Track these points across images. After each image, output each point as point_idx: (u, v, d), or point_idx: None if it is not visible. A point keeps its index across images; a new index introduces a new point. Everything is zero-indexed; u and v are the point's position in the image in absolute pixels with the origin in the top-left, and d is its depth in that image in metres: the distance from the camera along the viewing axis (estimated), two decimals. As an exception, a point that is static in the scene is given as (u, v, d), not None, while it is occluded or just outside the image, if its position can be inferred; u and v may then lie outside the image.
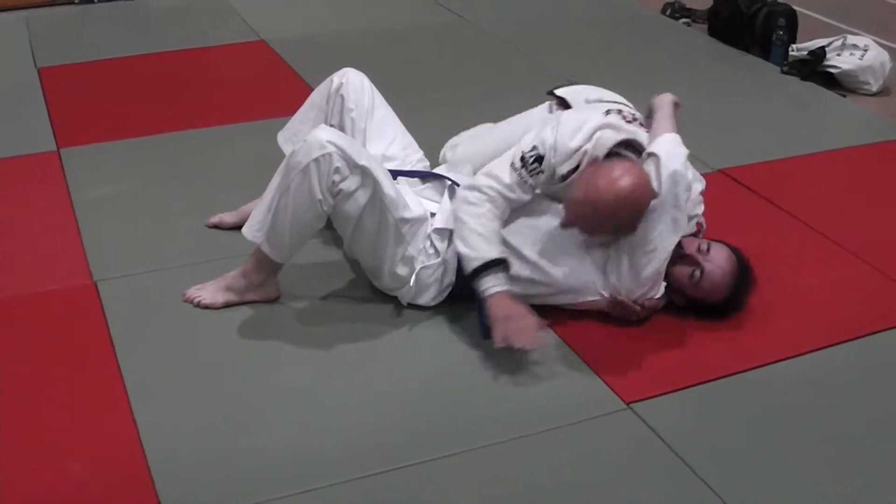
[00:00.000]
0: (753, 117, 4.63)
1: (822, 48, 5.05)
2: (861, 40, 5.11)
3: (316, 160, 2.93)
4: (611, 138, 3.01)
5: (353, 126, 3.33)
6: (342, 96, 3.34)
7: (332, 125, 3.32)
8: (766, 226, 3.65)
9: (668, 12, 6.06)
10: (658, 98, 3.23)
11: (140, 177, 3.98)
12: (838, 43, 5.09)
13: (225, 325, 3.08)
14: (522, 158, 3.00)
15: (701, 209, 3.16)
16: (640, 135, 3.08)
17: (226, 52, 5.46)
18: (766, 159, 4.15)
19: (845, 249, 3.49)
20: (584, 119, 3.04)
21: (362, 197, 2.98)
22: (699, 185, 3.15)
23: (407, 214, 3.05)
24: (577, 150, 2.97)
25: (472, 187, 3.03)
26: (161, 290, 3.23)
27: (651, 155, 2.99)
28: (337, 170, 2.93)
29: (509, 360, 2.92)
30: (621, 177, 2.85)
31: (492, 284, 2.91)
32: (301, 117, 3.45)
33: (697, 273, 3.00)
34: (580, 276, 3.04)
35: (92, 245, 3.46)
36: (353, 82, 3.37)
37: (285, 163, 3.01)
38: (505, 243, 3.02)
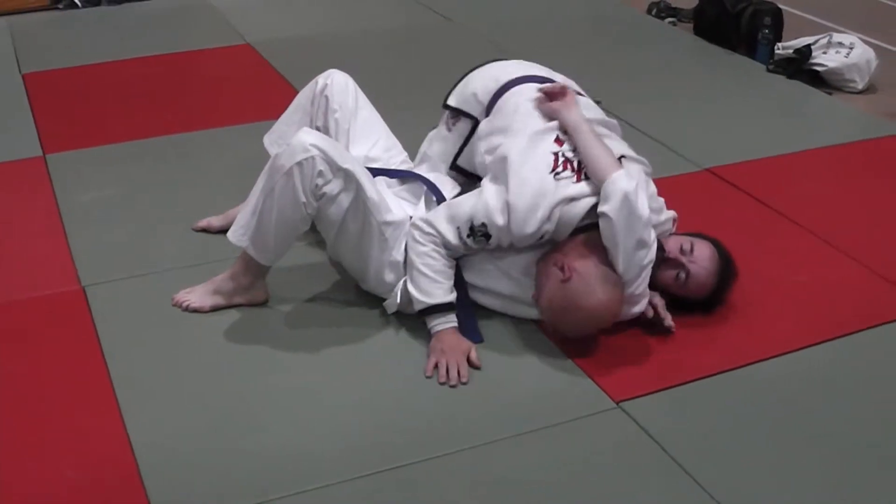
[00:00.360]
0: (740, 116, 4.64)
1: (808, 46, 5.06)
2: (847, 38, 5.12)
3: (299, 163, 2.93)
4: (574, 215, 2.92)
5: (338, 127, 3.33)
6: (326, 97, 3.35)
7: (317, 127, 3.33)
8: (753, 224, 3.66)
9: (653, 12, 6.07)
10: (565, 115, 3.07)
11: (127, 181, 3.97)
12: (824, 41, 5.10)
13: (215, 329, 3.08)
14: (471, 229, 2.95)
15: (666, 214, 3.11)
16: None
17: (212, 55, 5.45)
18: (752, 158, 4.15)
19: (833, 247, 3.49)
20: (538, 192, 2.91)
21: (345, 200, 2.98)
22: (658, 212, 3.07)
23: (389, 217, 3.05)
24: (536, 232, 2.92)
25: (418, 227, 3.02)
26: (149, 295, 3.22)
27: (602, 215, 2.86)
28: (320, 173, 2.94)
29: (500, 362, 2.93)
30: (591, 297, 2.84)
31: (438, 322, 2.97)
32: (287, 119, 3.45)
33: (683, 275, 3.01)
34: None
35: (80, 250, 3.46)
36: (337, 83, 3.38)
37: (269, 165, 3.01)
38: (473, 287, 3.09)
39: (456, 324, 2.98)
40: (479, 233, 2.94)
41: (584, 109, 3.11)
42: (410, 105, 4.37)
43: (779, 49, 5.16)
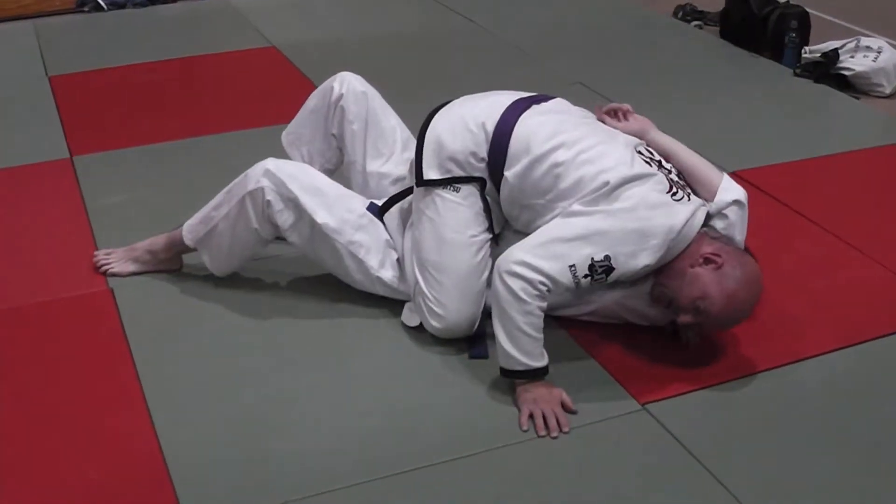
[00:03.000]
0: (766, 120, 4.62)
1: (836, 50, 5.04)
2: (875, 42, 5.10)
3: (250, 193, 3.04)
4: (695, 228, 2.78)
5: (354, 138, 3.31)
6: (342, 108, 3.31)
7: (332, 134, 3.34)
8: (779, 228, 3.64)
9: (679, 14, 6.05)
10: (654, 134, 3.05)
11: (153, 183, 3.99)
12: (851, 45, 5.08)
13: (241, 329, 3.10)
14: (591, 267, 2.69)
15: None
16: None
17: (237, 58, 5.47)
18: (779, 161, 4.14)
19: (859, 251, 3.48)
20: (667, 214, 2.74)
21: (304, 229, 3.06)
22: None
23: (358, 237, 3.05)
24: (666, 256, 2.75)
25: (519, 277, 2.67)
26: (177, 295, 3.25)
27: (736, 202, 2.88)
28: (269, 203, 3.02)
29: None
30: (749, 264, 2.80)
31: (527, 380, 2.76)
32: (303, 122, 3.45)
33: (694, 333, 2.94)
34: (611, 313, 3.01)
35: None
36: (353, 92, 3.31)
37: (231, 187, 3.12)
38: None
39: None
40: (599, 269, 2.69)
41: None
42: (431, 106, 4.37)
43: (805, 53, 5.13)
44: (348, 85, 3.32)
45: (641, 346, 2.99)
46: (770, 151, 4.23)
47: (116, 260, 3.33)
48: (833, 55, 5.02)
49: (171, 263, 3.32)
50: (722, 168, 3.94)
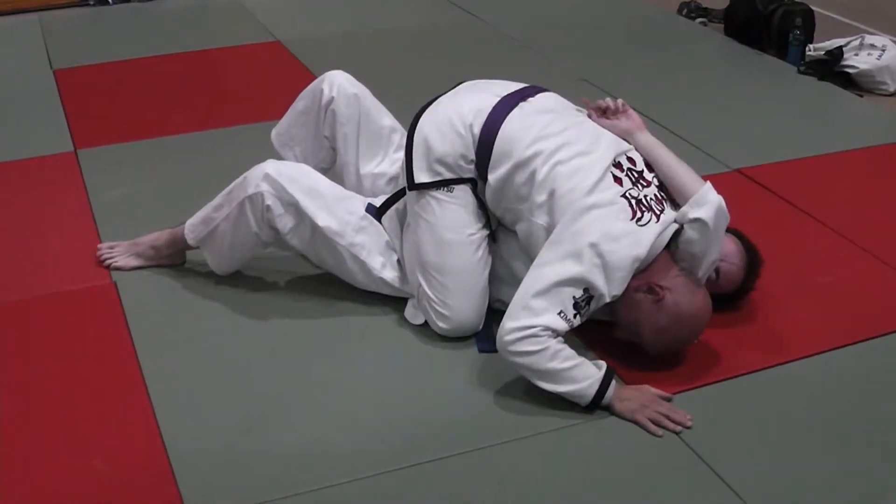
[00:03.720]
0: (770, 117, 4.62)
1: (840, 48, 5.04)
2: (879, 40, 5.10)
3: (250, 197, 3.04)
4: (661, 244, 2.78)
5: (346, 140, 3.30)
6: (333, 111, 3.28)
7: (325, 136, 3.33)
8: (782, 225, 3.64)
9: (684, 12, 6.06)
10: (639, 137, 2.97)
11: (157, 177, 3.99)
12: (856, 43, 5.08)
13: (244, 323, 3.10)
14: (575, 305, 2.68)
15: None
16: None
17: (242, 53, 5.47)
18: (782, 159, 4.14)
19: (862, 249, 3.48)
20: (634, 243, 2.73)
21: (305, 232, 3.06)
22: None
23: (359, 239, 3.06)
24: (617, 295, 2.76)
25: (519, 341, 2.66)
26: (180, 289, 3.25)
27: (697, 220, 2.79)
28: (268, 208, 3.02)
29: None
30: (692, 303, 2.78)
31: (609, 396, 2.71)
32: (293, 122, 3.43)
33: (714, 275, 2.98)
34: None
35: (110, 245, 3.48)
36: (344, 95, 3.28)
37: (231, 188, 3.12)
38: (501, 281, 3.03)
39: (614, 387, 2.74)
40: (583, 303, 2.70)
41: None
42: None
43: (810, 50, 5.14)
44: (338, 87, 3.29)
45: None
46: (773, 149, 4.23)
47: (120, 254, 3.34)
48: (837, 53, 5.02)
49: (174, 259, 3.33)
50: (725, 165, 3.97)
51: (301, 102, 3.41)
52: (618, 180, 2.81)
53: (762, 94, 4.89)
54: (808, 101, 4.84)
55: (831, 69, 5.02)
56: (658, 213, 2.80)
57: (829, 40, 5.16)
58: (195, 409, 2.76)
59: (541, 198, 2.81)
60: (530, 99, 3.00)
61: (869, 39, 5.10)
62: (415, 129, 2.99)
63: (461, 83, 3.15)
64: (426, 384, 2.87)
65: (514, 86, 3.06)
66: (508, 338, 2.67)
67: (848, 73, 5.01)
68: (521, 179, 2.85)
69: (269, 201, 3.01)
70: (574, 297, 2.69)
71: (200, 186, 3.69)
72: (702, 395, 2.80)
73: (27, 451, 2.60)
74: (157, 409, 2.73)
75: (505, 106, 2.94)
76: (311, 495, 2.47)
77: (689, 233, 2.80)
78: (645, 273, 2.78)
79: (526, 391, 2.80)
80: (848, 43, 5.08)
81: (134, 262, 3.32)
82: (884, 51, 5.01)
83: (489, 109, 2.93)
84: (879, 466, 2.58)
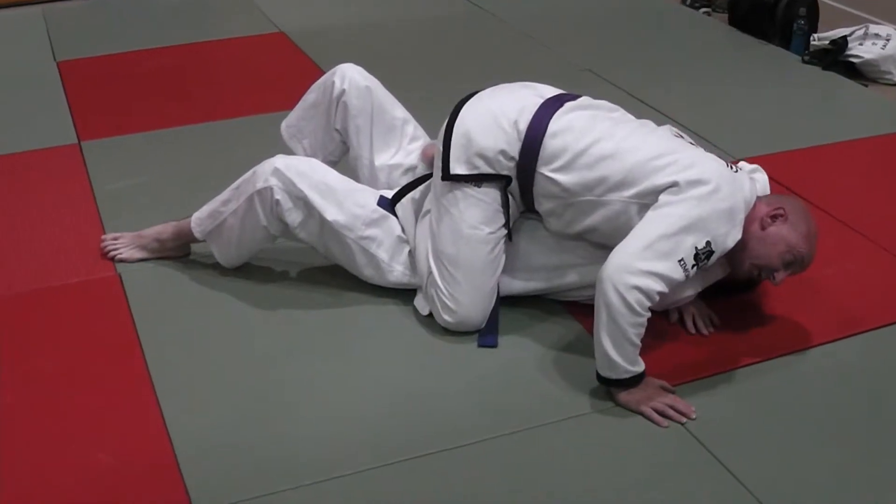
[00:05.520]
0: (774, 107, 4.61)
1: (844, 38, 5.03)
2: (883, 30, 5.09)
3: (259, 192, 3.04)
4: (750, 208, 2.84)
5: (359, 133, 3.30)
6: (345, 104, 3.28)
7: (336, 129, 3.33)
8: (788, 215, 3.63)
9: (688, 2, 6.05)
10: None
11: (161, 168, 3.99)
12: (860, 32, 5.06)
13: (249, 315, 3.10)
14: (696, 256, 2.67)
15: None
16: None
17: (245, 44, 5.47)
18: (787, 149, 4.13)
19: (867, 238, 3.48)
20: (732, 205, 2.74)
21: (314, 226, 3.06)
22: None
23: (369, 232, 3.06)
24: (737, 240, 2.77)
25: (638, 289, 2.62)
26: (185, 280, 3.25)
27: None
28: (277, 202, 3.02)
29: (532, 352, 2.93)
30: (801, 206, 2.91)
31: (623, 388, 2.72)
32: (303, 115, 3.43)
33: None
34: None
35: (115, 237, 3.48)
36: (356, 87, 3.28)
37: (239, 183, 3.12)
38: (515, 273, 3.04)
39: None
40: (703, 255, 2.69)
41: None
42: (440, 93, 4.37)
43: (814, 40, 5.12)
44: (350, 80, 3.29)
45: (647, 334, 2.98)
46: (778, 139, 4.22)
47: (124, 246, 3.34)
48: (842, 43, 5.01)
49: (179, 251, 3.33)
50: (730, 155, 3.97)
51: (311, 95, 3.40)
52: (693, 144, 2.93)
53: (766, 84, 4.88)
54: (812, 91, 4.83)
55: (835, 59, 5.00)
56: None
57: (833, 30, 5.15)
58: (200, 400, 2.76)
59: (618, 174, 2.79)
60: (575, 101, 2.98)
61: (873, 29, 5.09)
62: (454, 121, 2.96)
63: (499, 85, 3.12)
64: (432, 376, 2.87)
65: (556, 90, 3.04)
66: (628, 280, 2.61)
67: (852, 63, 4.99)
68: (584, 165, 2.82)
69: (279, 196, 3.01)
70: (696, 248, 2.67)
71: (204, 178, 3.72)
72: (706, 386, 2.81)
73: (32, 443, 2.61)
74: (162, 402, 2.73)
75: (550, 105, 2.93)
76: (316, 487, 2.47)
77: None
78: (751, 218, 2.82)
79: (531, 383, 2.81)
80: (852, 32, 5.07)
81: (138, 254, 3.32)
82: (888, 40, 4.99)
83: (535, 108, 2.91)
84: (884, 457, 2.58)
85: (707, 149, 3.02)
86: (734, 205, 2.74)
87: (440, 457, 2.56)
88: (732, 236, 2.74)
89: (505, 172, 2.91)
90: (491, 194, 2.93)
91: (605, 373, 2.71)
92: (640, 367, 2.71)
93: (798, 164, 4.02)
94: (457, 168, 2.92)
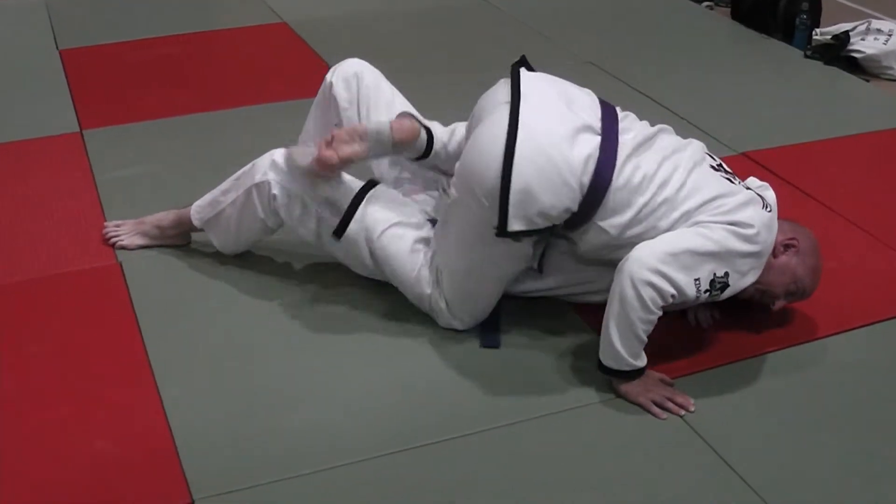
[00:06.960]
0: (776, 101, 4.61)
1: (846, 33, 5.03)
2: (886, 25, 5.09)
3: (257, 185, 3.04)
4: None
5: (350, 123, 3.24)
6: (335, 97, 3.26)
7: (335, 124, 3.30)
8: (787, 209, 3.61)
9: (690, -5, 6.05)
10: None
11: (163, 158, 3.99)
12: (862, 27, 5.07)
13: (249, 303, 3.11)
14: (712, 283, 2.66)
15: None
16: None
17: (248, 33, 5.46)
18: (788, 143, 4.14)
19: (868, 233, 3.48)
20: (763, 250, 2.74)
21: (310, 223, 3.04)
22: None
23: (373, 234, 3.01)
24: (751, 283, 2.77)
25: (653, 286, 2.60)
26: (186, 269, 3.25)
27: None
28: (274, 197, 3.02)
29: (533, 344, 2.94)
30: (812, 238, 2.93)
31: (623, 379, 2.74)
32: (309, 117, 3.42)
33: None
34: None
35: (116, 225, 3.48)
36: (342, 78, 3.24)
37: (239, 174, 3.12)
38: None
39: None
40: (718, 285, 2.68)
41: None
42: (444, 85, 4.38)
43: (816, 35, 5.12)
44: (340, 73, 3.26)
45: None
46: (779, 133, 4.23)
47: (125, 233, 3.35)
48: (844, 38, 5.01)
49: (179, 239, 3.34)
50: (732, 149, 3.98)
51: (317, 97, 3.41)
52: (728, 180, 2.85)
53: (768, 79, 4.88)
54: (814, 86, 4.83)
55: (837, 54, 5.00)
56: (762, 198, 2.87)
57: (835, 25, 5.15)
58: (200, 389, 2.76)
59: (670, 222, 2.71)
60: (626, 132, 2.80)
61: (875, 24, 5.09)
62: (510, 167, 2.64)
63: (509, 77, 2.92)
64: (431, 367, 2.87)
65: (595, 105, 2.85)
66: (645, 275, 2.59)
67: (854, 58, 4.99)
68: (643, 218, 2.72)
69: (276, 190, 3.01)
70: (714, 275, 2.66)
71: (205, 167, 3.72)
72: (705, 379, 2.81)
73: (31, 431, 2.61)
74: (161, 390, 2.74)
75: (609, 146, 2.72)
76: (314, 476, 2.48)
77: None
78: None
79: (530, 375, 2.82)
80: (854, 27, 5.07)
81: (139, 240, 3.33)
82: (890, 35, 5.00)
83: (597, 154, 2.69)
84: (884, 449, 2.59)
85: (708, 143, 3.02)
86: (764, 250, 2.75)
87: (438, 447, 2.57)
88: (749, 278, 2.73)
89: (558, 223, 2.77)
90: (527, 242, 2.84)
91: (608, 362, 2.71)
92: (643, 362, 2.71)
93: (799, 158, 4.02)
94: (514, 225, 2.68)
